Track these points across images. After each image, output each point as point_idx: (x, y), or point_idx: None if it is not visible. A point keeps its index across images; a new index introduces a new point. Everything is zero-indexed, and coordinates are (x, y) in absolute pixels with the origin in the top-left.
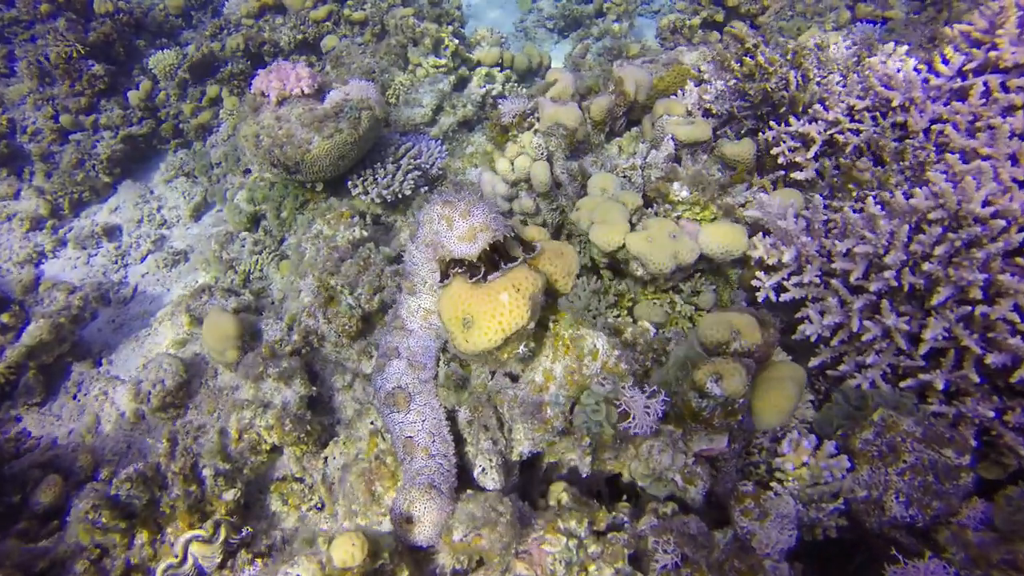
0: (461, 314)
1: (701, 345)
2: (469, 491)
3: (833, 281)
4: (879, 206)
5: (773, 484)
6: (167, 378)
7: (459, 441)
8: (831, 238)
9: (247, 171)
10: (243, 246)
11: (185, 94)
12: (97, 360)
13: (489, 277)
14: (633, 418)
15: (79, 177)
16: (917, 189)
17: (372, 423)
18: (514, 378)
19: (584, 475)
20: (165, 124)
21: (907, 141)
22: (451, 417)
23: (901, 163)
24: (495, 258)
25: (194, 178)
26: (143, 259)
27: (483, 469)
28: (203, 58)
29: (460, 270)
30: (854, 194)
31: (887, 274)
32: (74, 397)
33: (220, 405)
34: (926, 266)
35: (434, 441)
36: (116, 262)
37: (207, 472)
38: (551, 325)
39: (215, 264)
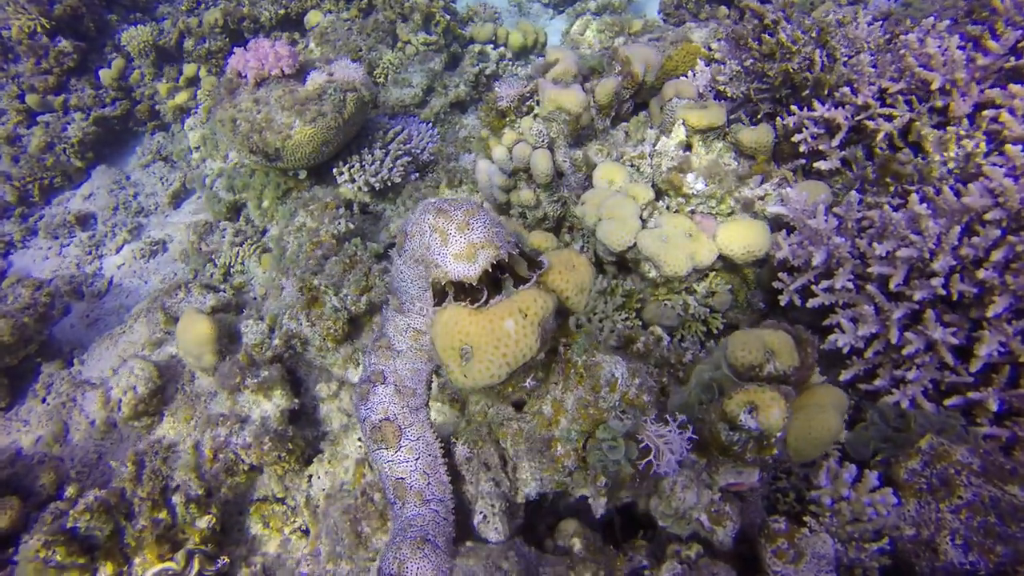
0: (458, 344)
1: (730, 366)
2: (469, 543)
3: (869, 287)
4: (925, 204)
5: (807, 518)
6: (139, 384)
7: (456, 476)
8: (865, 238)
9: (228, 156)
10: (223, 237)
11: (161, 73)
12: (68, 360)
13: (491, 301)
14: (656, 456)
15: (49, 162)
16: (971, 185)
17: (360, 439)
18: (518, 406)
19: (598, 516)
20: (140, 105)
21: (950, 129)
22: (447, 449)
23: (944, 154)
24: (496, 276)
25: (172, 163)
26: (119, 249)
27: (484, 516)
28: (179, 35)
29: (462, 303)
30: (891, 188)
31: (934, 281)
32: (43, 401)
33: (197, 413)
34: (981, 273)
35: (429, 483)
36: (90, 252)
37: (177, 499)
38: (561, 349)
39: (193, 256)
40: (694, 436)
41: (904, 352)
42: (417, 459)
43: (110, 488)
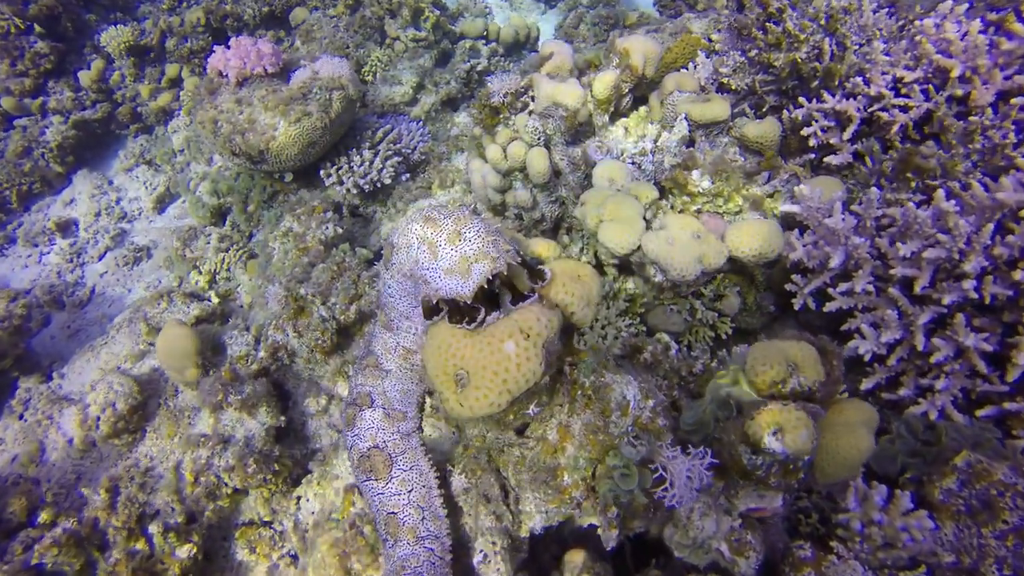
0: (452, 369)
1: (749, 382)
2: None
3: (891, 289)
4: (953, 200)
5: (834, 544)
6: (118, 401)
7: (452, 507)
8: (885, 237)
9: (212, 159)
10: (208, 243)
11: (142, 74)
12: (47, 373)
13: (488, 319)
14: (671, 484)
15: (27, 167)
16: (1004, 179)
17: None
18: (520, 430)
19: (609, 548)
20: (122, 107)
21: (973, 119)
22: (442, 477)
23: (969, 146)
24: (493, 291)
25: (156, 166)
26: (101, 257)
27: (485, 556)
28: (161, 34)
29: (456, 323)
30: (912, 184)
31: (966, 284)
32: (20, 417)
33: (181, 430)
34: (1017, 274)
35: (423, 519)
36: (71, 260)
37: (154, 528)
38: (567, 369)
39: (177, 263)
40: (714, 461)
41: (932, 360)
42: (410, 491)
43: (81, 518)
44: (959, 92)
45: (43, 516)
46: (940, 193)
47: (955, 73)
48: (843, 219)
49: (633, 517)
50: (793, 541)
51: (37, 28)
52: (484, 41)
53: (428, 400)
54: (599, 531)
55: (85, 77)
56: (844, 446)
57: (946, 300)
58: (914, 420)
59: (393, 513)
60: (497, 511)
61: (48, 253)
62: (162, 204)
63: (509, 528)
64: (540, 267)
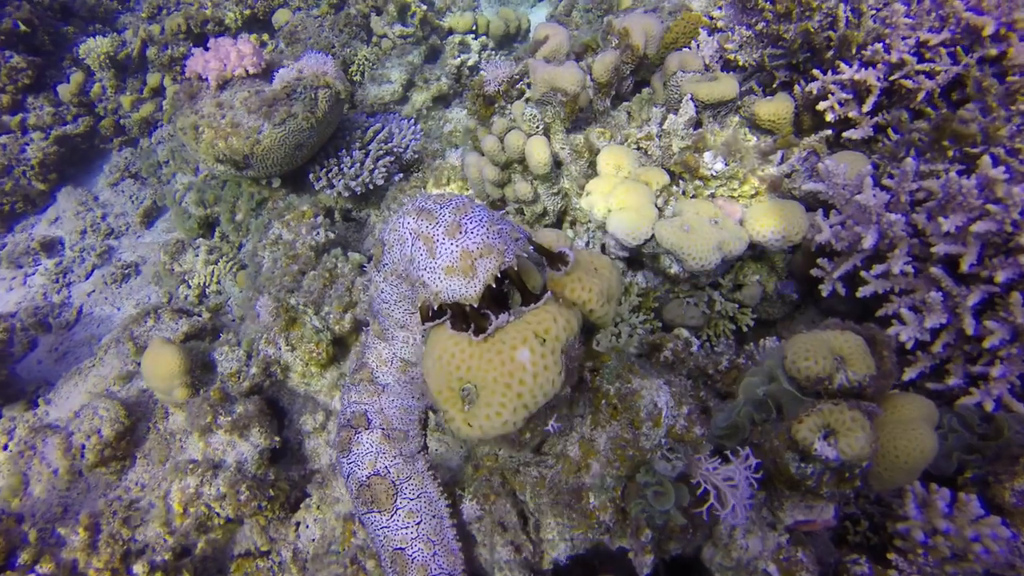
0: (458, 383)
1: (790, 379)
2: None
3: (933, 269)
4: (1001, 167)
5: (892, 556)
6: (104, 427)
7: (464, 536)
8: (922, 212)
9: (198, 169)
10: (197, 256)
11: (124, 85)
12: (33, 400)
13: (496, 322)
14: (718, 500)
15: (8, 186)
16: None
17: None
18: (537, 447)
19: None
20: (104, 120)
21: (1014, 79)
22: (452, 501)
23: (1011, 108)
24: (500, 289)
25: (142, 179)
26: (88, 275)
27: None
28: (141, 44)
29: (460, 329)
30: (950, 153)
31: None
32: (4, 448)
33: (173, 455)
34: None
35: (435, 554)
36: (57, 281)
37: (139, 568)
38: (587, 375)
39: (166, 278)
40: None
41: (985, 345)
42: (418, 523)
43: (60, 560)
44: (993, 52)
45: (23, 556)
46: (986, 160)
47: (988, 31)
48: (875, 195)
49: (669, 539)
50: (844, 555)
51: (22, 27)
52: (473, 35)
53: (432, 415)
54: (631, 555)
55: (65, 91)
56: (904, 448)
57: (1000, 277)
58: (968, 412)
59: (400, 549)
60: (515, 540)
61: (33, 274)
62: (150, 218)
63: (530, 559)
64: (561, 250)
